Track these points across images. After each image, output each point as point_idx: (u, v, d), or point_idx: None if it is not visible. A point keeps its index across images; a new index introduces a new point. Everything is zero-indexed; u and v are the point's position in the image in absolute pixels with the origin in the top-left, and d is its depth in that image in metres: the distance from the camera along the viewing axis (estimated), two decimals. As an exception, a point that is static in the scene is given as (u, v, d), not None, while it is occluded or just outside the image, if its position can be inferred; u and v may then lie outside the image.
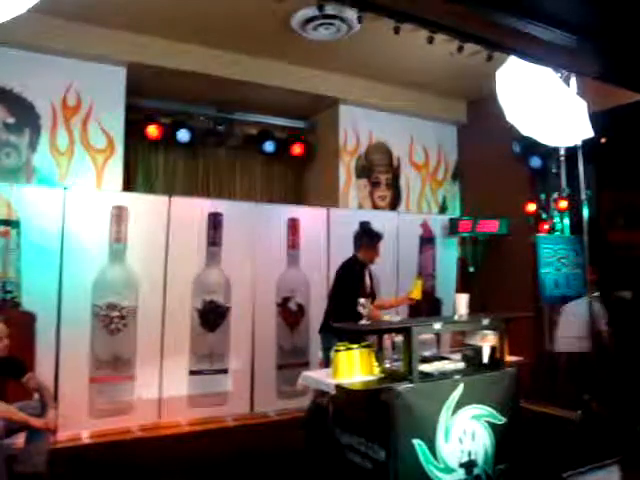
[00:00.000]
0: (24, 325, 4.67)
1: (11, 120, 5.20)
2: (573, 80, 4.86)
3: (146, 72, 5.76)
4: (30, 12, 2.39)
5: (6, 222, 4.73)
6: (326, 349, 4.61)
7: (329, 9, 4.49)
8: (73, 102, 5.50)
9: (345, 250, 6.13)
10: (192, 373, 5.46)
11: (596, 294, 5.56)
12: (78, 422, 4.87)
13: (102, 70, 5.61)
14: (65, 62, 5.43)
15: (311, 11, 4.82)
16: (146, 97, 6.34)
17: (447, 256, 7.10)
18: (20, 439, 3.85)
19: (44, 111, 5.34)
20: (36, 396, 3.95)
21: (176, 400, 5.34)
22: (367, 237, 4.91)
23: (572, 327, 5.50)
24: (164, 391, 5.30)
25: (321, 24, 5.15)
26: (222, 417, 5.48)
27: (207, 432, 5.20)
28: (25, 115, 5.26)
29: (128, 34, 5.48)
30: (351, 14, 4.71)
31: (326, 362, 4.57)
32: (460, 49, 4.55)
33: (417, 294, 4.81)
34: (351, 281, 4.74)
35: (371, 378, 3.55)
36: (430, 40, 4.36)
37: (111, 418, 5.05)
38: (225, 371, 5.60)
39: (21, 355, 4.15)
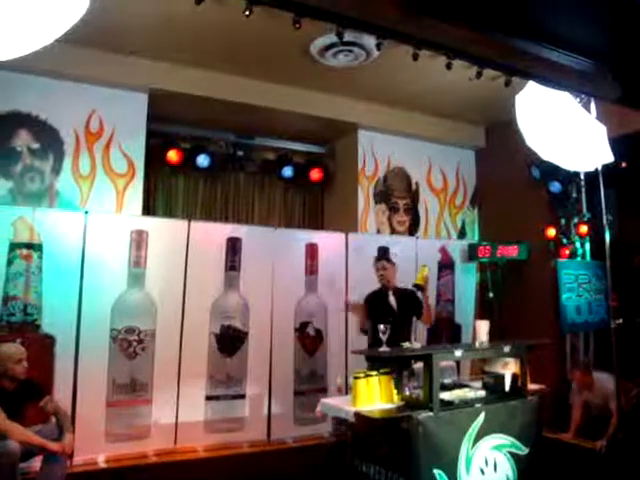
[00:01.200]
0: (44, 348, 4.69)
1: (36, 145, 5.30)
2: (592, 105, 4.84)
3: (167, 98, 5.85)
4: (54, 41, 2.44)
5: (29, 245, 4.78)
6: None
7: (348, 36, 4.53)
8: (96, 128, 5.59)
9: (363, 275, 6.14)
10: (209, 398, 5.42)
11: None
12: (94, 446, 4.84)
13: (124, 96, 5.71)
14: (88, 89, 5.55)
15: (330, 38, 4.88)
16: (167, 122, 6.43)
17: (466, 282, 7.03)
18: (37, 463, 3.85)
19: (68, 137, 5.44)
20: (53, 420, 3.96)
21: (192, 425, 5.30)
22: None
23: None
24: (180, 416, 5.25)
25: (340, 51, 5.21)
26: (238, 443, 5.41)
27: (223, 458, 5.13)
28: (49, 140, 5.36)
29: (150, 61, 5.58)
30: (370, 41, 4.76)
31: None
32: (479, 75, 4.56)
33: (420, 279, 4.85)
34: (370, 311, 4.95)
35: (391, 406, 3.51)
36: (448, 66, 4.38)
37: (127, 443, 5.01)
38: (242, 396, 5.55)
39: (40, 378, 4.17)
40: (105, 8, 4.13)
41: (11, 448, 3.47)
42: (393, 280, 5.14)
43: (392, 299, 4.99)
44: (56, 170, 5.39)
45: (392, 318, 4.62)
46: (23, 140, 5.26)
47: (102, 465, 4.80)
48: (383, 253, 5.06)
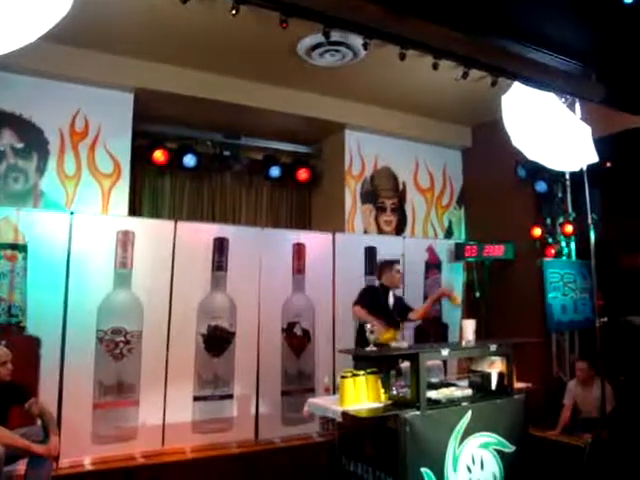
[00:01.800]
0: (29, 350, 4.64)
1: (20, 145, 5.24)
2: (577, 105, 4.89)
3: (153, 98, 5.81)
4: (39, 40, 2.41)
5: (13, 246, 4.73)
6: None
7: (335, 36, 4.54)
8: (81, 127, 5.55)
9: (351, 275, 6.15)
10: (196, 399, 5.39)
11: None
12: (80, 448, 4.80)
13: (110, 96, 5.67)
14: (73, 88, 5.49)
15: (317, 38, 4.87)
16: (153, 122, 6.38)
17: (453, 281, 7.05)
18: (21, 466, 3.81)
19: (52, 136, 5.39)
20: (39, 422, 3.91)
21: (180, 426, 5.27)
22: (385, 262, 5.31)
23: None
24: (168, 417, 5.22)
25: (327, 51, 5.22)
26: (226, 443, 5.39)
27: (211, 459, 5.11)
28: (34, 140, 5.31)
29: (135, 60, 5.55)
30: (356, 41, 4.77)
31: None
32: (465, 75, 4.59)
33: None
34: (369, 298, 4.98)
35: (378, 405, 3.52)
36: (435, 66, 4.40)
37: (114, 444, 4.97)
38: (230, 397, 5.53)
39: (25, 380, 4.13)
40: (90, 6, 4.10)
41: (-5, 451, 3.44)
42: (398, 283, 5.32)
43: (391, 300, 5.07)
44: (40, 170, 5.34)
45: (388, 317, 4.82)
46: (7, 139, 5.19)
47: (89, 467, 4.76)
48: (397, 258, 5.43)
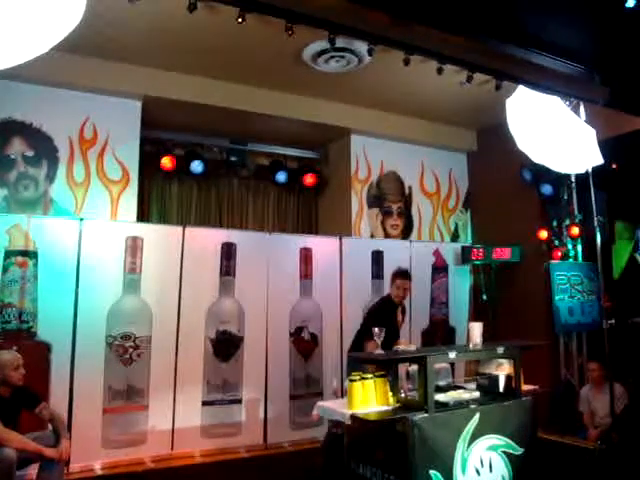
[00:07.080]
0: (39, 355, 4.70)
1: (30, 153, 5.31)
2: (582, 108, 4.90)
3: (160, 105, 5.87)
4: (49, 50, 2.46)
5: (24, 253, 4.79)
6: None
7: (340, 42, 4.57)
8: (90, 135, 5.60)
9: (358, 279, 6.17)
10: (205, 403, 5.42)
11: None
12: (91, 453, 4.84)
13: (118, 103, 5.72)
14: (82, 96, 5.55)
15: (322, 44, 4.92)
16: (160, 129, 6.44)
17: (460, 284, 7.07)
18: (33, 470, 3.85)
19: (62, 144, 5.45)
20: (50, 426, 3.95)
21: (189, 431, 5.30)
22: (393, 274, 5.10)
23: None
24: (177, 422, 5.26)
25: (332, 57, 5.25)
26: (235, 448, 5.42)
27: (220, 463, 5.14)
28: (43, 148, 5.37)
29: (143, 68, 5.60)
30: (361, 47, 4.81)
31: None
32: (469, 79, 4.62)
33: None
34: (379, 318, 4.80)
35: (386, 408, 3.53)
36: (440, 71, 4.43)
37: (123, 449, 5.01)
38: (238, 401, 5.56)
39: (36, 385, 4.17)
40: (99, 16, 4.18)
41: (7, 455, 3.47)
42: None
43: (400, 316, 5.06)
44: (50, 177, 5.40)
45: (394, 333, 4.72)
46: (17, 148, 5.26)
47: (99, 472, 4.80)
48: (405, 271, 5.16)
